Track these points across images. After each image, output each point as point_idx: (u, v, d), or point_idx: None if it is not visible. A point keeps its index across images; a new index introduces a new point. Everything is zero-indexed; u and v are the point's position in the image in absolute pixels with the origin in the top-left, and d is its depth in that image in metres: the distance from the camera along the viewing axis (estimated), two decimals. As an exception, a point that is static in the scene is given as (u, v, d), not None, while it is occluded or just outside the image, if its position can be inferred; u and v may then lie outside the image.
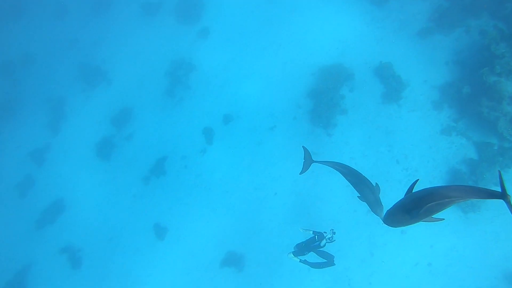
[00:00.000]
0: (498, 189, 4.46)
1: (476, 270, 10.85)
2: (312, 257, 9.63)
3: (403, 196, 5.10)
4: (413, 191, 5.06)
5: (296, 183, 13.72)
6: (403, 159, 12.56)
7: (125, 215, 16.13)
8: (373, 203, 7.27)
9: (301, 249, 9.41)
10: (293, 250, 9.56)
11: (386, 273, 11.63)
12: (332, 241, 9.14)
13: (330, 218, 12.72)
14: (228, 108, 16.19)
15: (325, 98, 13.93)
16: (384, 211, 6.15)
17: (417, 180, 5.34)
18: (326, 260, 9.76)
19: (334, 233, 9.09)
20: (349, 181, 7.51)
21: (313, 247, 9.30)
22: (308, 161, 8.56)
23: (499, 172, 4.66)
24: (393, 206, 5.07)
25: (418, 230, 11.45)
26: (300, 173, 8.61)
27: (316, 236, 9.24)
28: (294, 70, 15.66)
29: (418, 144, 12.50)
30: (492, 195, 4.54)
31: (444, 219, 5.03)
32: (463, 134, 12.11)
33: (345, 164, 7.65)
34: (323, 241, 9.10)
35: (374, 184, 7.33)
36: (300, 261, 9.66)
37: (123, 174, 17.01)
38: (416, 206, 4.74)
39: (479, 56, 12.28)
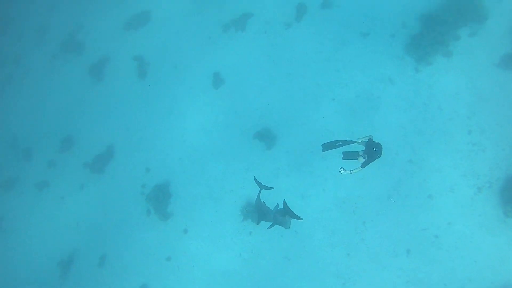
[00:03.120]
0: None
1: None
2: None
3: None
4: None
5: (357, 99, 13.09)
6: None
7: (194, 53, 16.66)
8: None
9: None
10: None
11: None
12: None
13: (379, 134, 11.94)
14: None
15: (435, 30, 12.15)
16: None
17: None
18: None
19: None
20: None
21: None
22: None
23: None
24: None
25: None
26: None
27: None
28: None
29: None
30: None
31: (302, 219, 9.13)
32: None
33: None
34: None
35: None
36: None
37: (208, 12, 17.08)
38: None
39: None
